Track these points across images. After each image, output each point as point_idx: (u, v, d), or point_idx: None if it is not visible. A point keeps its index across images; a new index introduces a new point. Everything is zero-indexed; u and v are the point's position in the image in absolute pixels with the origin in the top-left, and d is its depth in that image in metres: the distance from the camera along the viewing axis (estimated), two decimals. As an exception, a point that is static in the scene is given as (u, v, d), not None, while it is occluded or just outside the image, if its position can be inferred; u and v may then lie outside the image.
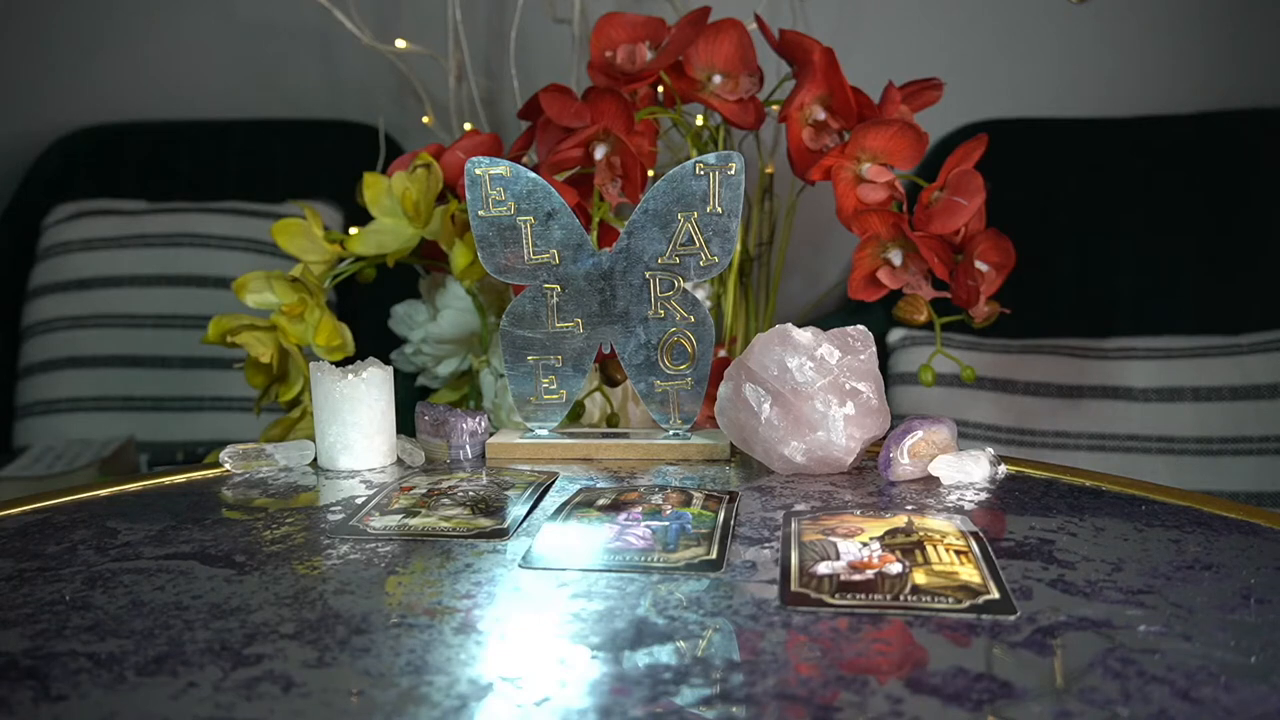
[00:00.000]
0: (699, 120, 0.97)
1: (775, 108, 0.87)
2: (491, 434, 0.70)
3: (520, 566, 0.48)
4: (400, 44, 1.33)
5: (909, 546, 0.48)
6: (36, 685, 0.37)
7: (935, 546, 0.48)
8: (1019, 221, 0.89)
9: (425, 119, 1.36)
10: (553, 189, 0.66)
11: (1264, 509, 0.54)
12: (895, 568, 0.45)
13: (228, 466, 0.67)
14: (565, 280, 0.68)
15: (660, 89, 0.87)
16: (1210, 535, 0.51)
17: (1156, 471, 1.17)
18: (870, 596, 0.43)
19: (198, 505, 0.59)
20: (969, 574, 0.45)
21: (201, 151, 1.52)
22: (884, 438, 0.62)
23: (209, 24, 1.58)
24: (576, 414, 0.85)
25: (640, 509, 0.54)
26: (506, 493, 0.59)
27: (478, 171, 0.66)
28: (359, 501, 0.58)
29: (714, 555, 0.48)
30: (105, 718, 0.35)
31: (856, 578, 0.44)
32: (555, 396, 0.69)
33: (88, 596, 0.45)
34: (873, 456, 0.66)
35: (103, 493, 0.62)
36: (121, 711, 0.35)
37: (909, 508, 0.55)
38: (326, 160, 1.49)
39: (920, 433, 0.60)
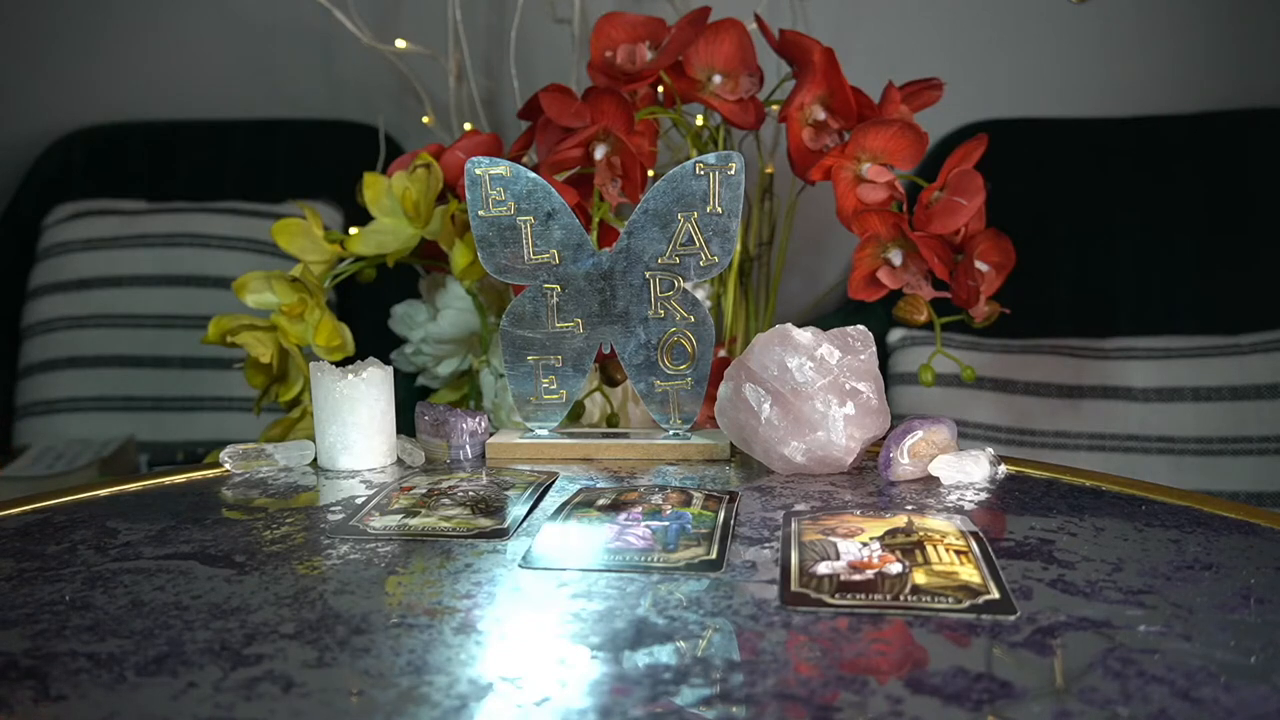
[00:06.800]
0: (699, 120, 0.97)
1: (775, 108, 0.87)
2: (491, 434, 0.70)
3: (520, 566, 0.48)
4: (400, 44, 1.33)
5: (909, 546, 0.48)
6: (36, 685, 0.37)
7: (935, 546, 0.48)
8: (1019, 221, 0.89)
9: (425, 119, 1.36)
10: (553, 189, 0.66)
11: (1264, 509, 0.54)
12: (895, 568, 0.45)
13: (228, 466, 0.67)
14: (565, 280, 0.68)
15: (660, 89, 0.87)
16: (1210, 535, 0.51)
17: (1156, 471, 1.17)
18: (870, 596, 0.43)
19: (198, 505, 0.59)
20: (969, 574, 0.45)
21: (201, 151, 1.52)
22: (884, 438, 0.62)
23: (209, 24, 1.57)
24: (576, 414, 0.85)
25: (640, 509, 0.54)
26: (506, 493, 0.59)
27: (478, 171, 0.66)
28: (359, 501, 0.58)
29: (714, 555, 0.48)
30: (105, 718, 0.35)
31: (856, 578, 0.44)
32: (555, 396, 0.69)
33: (88, 596, 0.45)
34: (873, 456, 0.66)
35: (103, 493, 0.62)
36: (121, 711, 0.35)
37: (909, 508, 0.55)
38: (326, 160, 1.48)
39: (920, 433, 0.60)
